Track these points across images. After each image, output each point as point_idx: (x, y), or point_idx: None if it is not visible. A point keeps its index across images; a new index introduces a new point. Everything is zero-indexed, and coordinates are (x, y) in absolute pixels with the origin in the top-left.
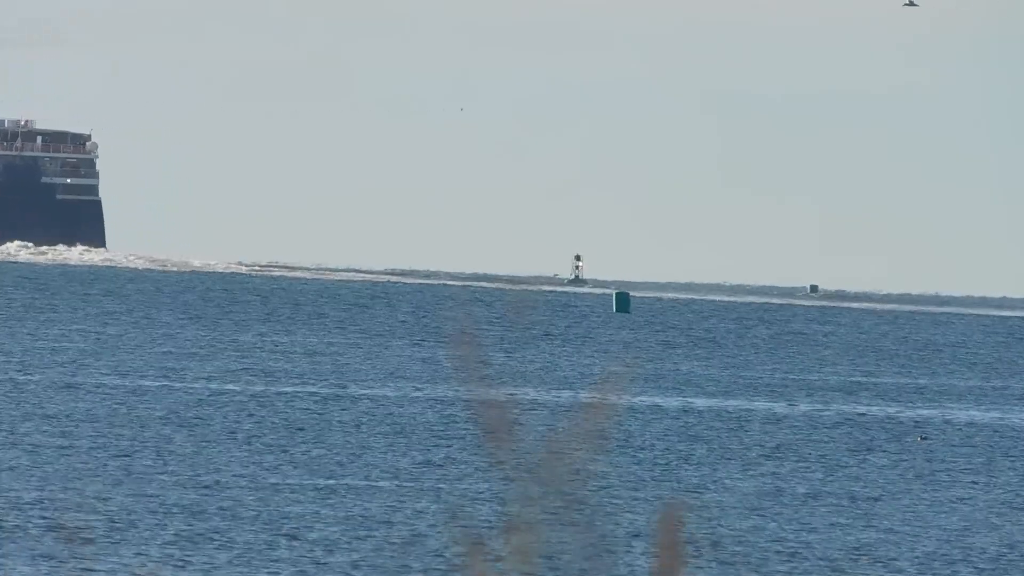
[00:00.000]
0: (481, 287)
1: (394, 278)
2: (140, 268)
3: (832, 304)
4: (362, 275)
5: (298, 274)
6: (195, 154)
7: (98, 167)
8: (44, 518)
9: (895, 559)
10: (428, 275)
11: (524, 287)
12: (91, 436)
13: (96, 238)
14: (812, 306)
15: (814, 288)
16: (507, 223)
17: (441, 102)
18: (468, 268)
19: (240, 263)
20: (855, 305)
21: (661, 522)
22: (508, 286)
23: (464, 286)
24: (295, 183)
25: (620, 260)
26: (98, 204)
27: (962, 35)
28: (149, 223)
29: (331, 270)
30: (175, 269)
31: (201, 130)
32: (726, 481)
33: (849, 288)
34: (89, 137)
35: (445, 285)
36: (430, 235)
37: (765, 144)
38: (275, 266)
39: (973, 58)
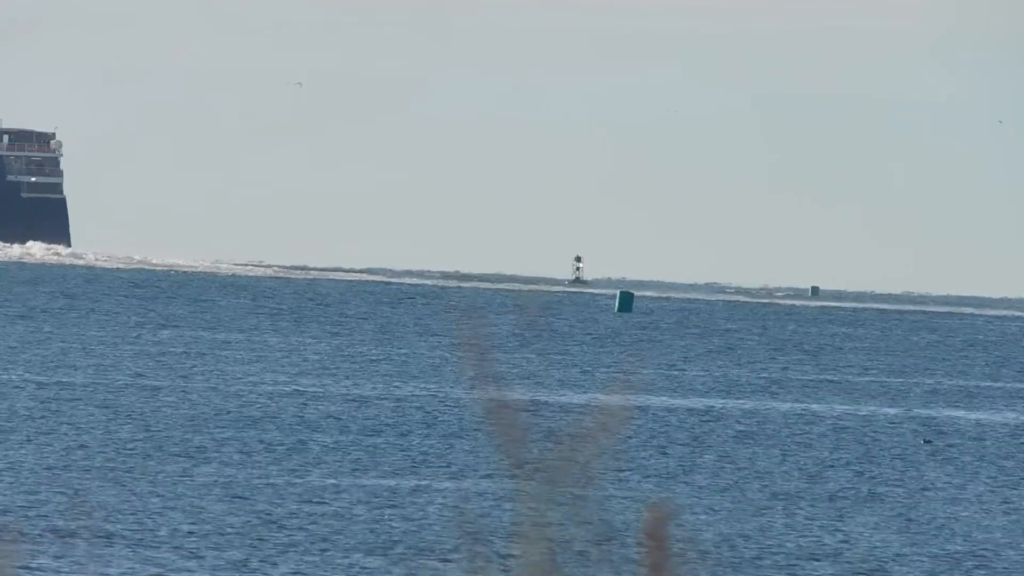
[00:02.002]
0: (483, 287)
1: (390, 279)
2: (105, 267)
3: (834, 304)
4: (357, 275)
5: (283, 274)
6: (160, 153)
7: (62, 165)
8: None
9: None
10: (425, 275)
11: (528, 288)
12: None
13: (61, 236)
14: (814, 307)
15: (815, 290)
16: (507, 223)
17: (441, 101)
18: (468, 268)
19: (219, 262)
20: (856, 305)
21: (648, 522)
22: (514, 286)
23: (465, 287)
24: (280, 183)
25: (622, 260)
26: (62, 202)
27: (970, 41)
28: (113, 221)
29: (317, 269)
30: (138, 267)
31: (165, 128)
32: (733, 481)
33: (848, 289)
34: (53, 135)
35: (445, 286)
36: (427, 235)
37: (766, 144)
38: (255, 265)
39: (974, 64)
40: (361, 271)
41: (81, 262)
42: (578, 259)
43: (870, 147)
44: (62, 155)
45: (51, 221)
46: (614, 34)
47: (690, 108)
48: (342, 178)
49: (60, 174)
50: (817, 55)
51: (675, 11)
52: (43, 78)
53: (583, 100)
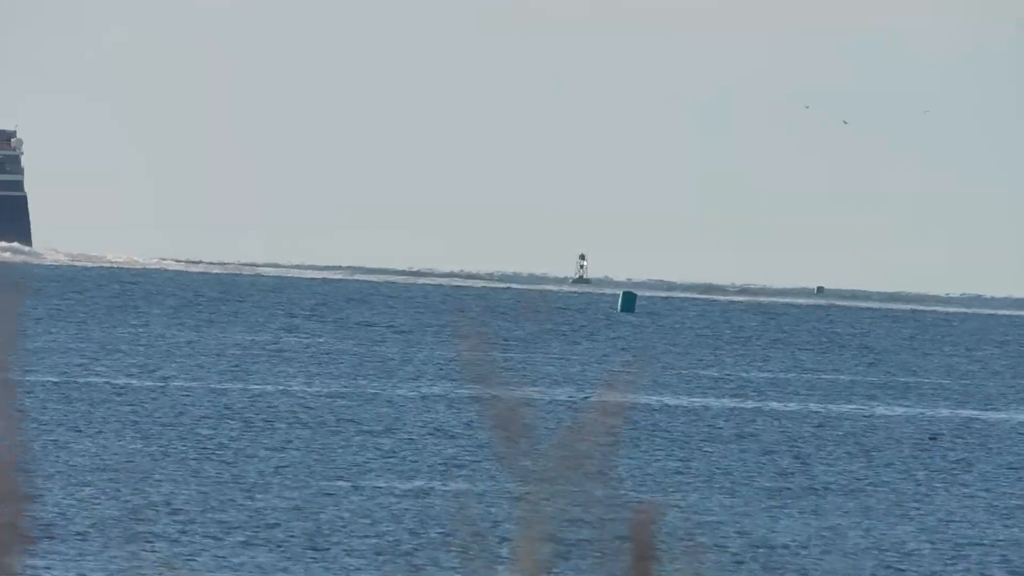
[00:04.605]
0: (485, 287)
1: (391, 278)
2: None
3: (838, 303)
4: (355, 274)
5: (279, 273)
6: (121, 150)
7: (23, 163)
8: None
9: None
10: (425, 275)
11: (530, 287)
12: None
13: (21, 234)
14: (819, 306)
15: (820, 289)
16: (509, 222)
17: (439, 100)
18: (468, 268)
19: (223, 262)
20: (860, 304)
21: (634, 524)
22: (517, 286)
23: (469, 286)
24: (278, 182)
25: (626, 260)
26: (23, 200)
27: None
28: (75, 219)
29: (301, 268)
30: (96, 265)
31: (127, 126)
32: (727, 480)
33: (852, 288)
34: (14, 133)
35: (450, 285)
36: (427, 235)
37: (767, 144)
38: (243, 265)
39: (974, 64)
40: (341, 268)
41: (39, 261)
42: (582, 257)
43: (870, 147)
44: (23, 152)
45: (12, 220)
46: (616, 35)
47: (691, 108)
48: (342, 178)
49: (21, 171)
50: (817, 55)
51: (675, 11)
52: (33, 77)
53: (586, 100)
